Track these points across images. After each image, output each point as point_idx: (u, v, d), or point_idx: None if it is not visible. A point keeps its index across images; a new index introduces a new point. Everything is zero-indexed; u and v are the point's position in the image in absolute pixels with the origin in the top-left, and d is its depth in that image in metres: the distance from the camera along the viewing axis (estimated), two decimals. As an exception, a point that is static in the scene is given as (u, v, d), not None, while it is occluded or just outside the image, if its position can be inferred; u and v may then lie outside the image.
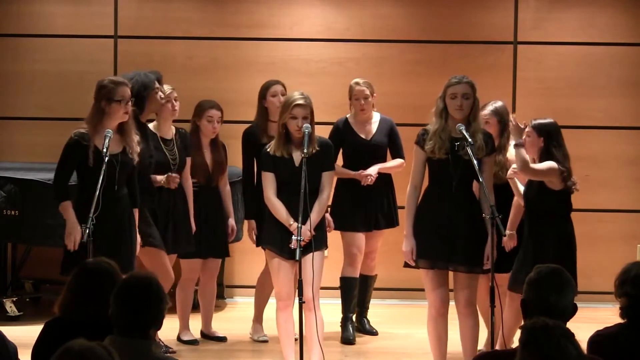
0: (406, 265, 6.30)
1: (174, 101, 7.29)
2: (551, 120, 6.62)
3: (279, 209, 6.28)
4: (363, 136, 7.63)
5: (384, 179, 7.66)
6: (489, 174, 6.22)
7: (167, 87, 7.29)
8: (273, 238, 6.33)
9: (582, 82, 9.22)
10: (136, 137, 6.41)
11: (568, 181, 6.45)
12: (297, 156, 6.29)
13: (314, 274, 6.25)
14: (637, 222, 9.22)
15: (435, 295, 6.18)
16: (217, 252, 7.59)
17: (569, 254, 6.43)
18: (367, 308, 7.94)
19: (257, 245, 7.59)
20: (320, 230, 6.35)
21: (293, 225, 6.17)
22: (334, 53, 9.22)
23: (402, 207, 7.80)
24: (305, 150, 6.15)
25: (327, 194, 6.40)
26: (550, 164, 6.41)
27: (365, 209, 7.53)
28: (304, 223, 6.12)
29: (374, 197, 7.57)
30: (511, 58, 9.21)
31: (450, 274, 6.21)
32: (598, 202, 9.19)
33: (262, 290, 7.73)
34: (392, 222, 7.77)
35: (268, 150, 6.41)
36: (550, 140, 6.46)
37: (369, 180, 7.46)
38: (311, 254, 6.25)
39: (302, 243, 6.14)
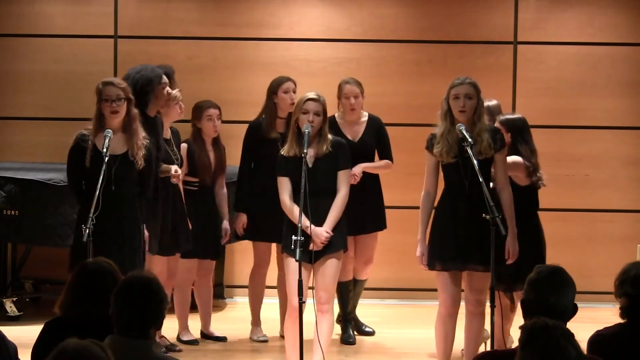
0: (425, 268, 6.25)
1: (181, 103, 7.27)
2: (519, 115, 6.73)
3: (294, 213, 6.19)
4: (350, 137, 7.47)
5: (371, 181, 7.54)
6: (503, 170, 6.18)
7: (175, 90, 7.28)
8: (289, 242, 6.13)
9: (583, 82, 9.22)
10: (143, 142, 6.36)
11: (533, 177, 6.50)
12: (309, 156, 6.27)
13: (330, 277, 6.25)
14: (637, 222, 9.22)
15: (447, 296, 6.14)
16: (213, 254, 7.59)
17: (535, 250, 6.47)
18: (355, 306, 7.85)
19: (245, 239, 7.58)
20: (337, 232, 6.30)
21: (310, 227, 6.13)
22: (334, 53, 9.23)
23: (390, 207, 7.86)
24: (305, 150, 6.14)
25: (343, 194, 6.33)
26: (514, 158, 6.49)
27: (353, 214, 7.33)
28: (315, 224, 6.15)
29: (361, 201, 7.37)
30: (511, 58, 9.21)
31: (463, 273, 6.18)
32: (598, 202, 9.20)
33: (255, 292, 7.71)
34: (380, 225, 7.67)
35: (282, 152, 6.37)
36: (516, 135, 6.54)
37: (353, 180, 7.26)
38: (327, 256, 6.24)
39: (320, 245, 6.16)
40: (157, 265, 6.94)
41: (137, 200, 6.38)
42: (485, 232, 5.98)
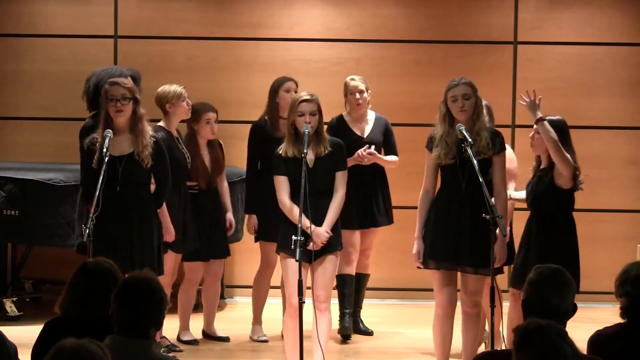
0: (419, 267, 6.27)
1: (188, 99, 7.30)
2: (560, 117, 6.62)
3: (294, 213, 6.17)
4: (359, 133, 7.63)
5: (379, 176, 7.65)
6: (501, 172, 6.16)
7: (179, 87, 7.28)
8: (288, 241, 6.11)
9: (583, 82, 9.22)
10: (150, 141, 6.36)
11: (577, 179, 6.47)
12: (309, 157, 6.26)
13: (329, 276, 6.28)
14: (637, 222, 9.22)
15: (442, 296, 6.16)
16: (218, 253, 7.58)
17: (574, 253, 6.43)
18: (361, 308, 7.93)
19: (256, 241, 7.59)
20: (334, 232, 6.29)
21: (311, 227, 6.14)
22: (334, 53, 9.23)
23: (397, 207, 7.87)
24: (305, 150, 6.13)
25: (341, 194, 6.35)
26: (567, 156, 6.39)
27: (360, 207, 7.50)
28: (314, 224, 6.17)
29: (369, 195, 7.58)
30: (511, 58, 9.21)
31: (459, 274, 6.19)
32: (598, 202, 9.19)
33: (259, 291, 7.72)
34: (388, 219, 7.76)
35: (280, 152, 6.36)
36: (562, 137, 6.46)
37: (364, 159, 7.42)
38: (326, 255, 6.26)
39: (320, 244, 6.17)
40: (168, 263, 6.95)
41: (149, 200, 6.38)
42: (478, 234, 5.99)
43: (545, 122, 6.35)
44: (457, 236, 6.07)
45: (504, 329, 6.10)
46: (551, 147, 6.35)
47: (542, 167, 6.54)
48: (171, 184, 6.60)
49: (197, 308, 7.88)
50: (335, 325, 7.55)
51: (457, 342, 6.36)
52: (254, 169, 7.53)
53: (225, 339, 7.65)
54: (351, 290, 7.70)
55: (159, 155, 6.40)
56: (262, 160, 7.48)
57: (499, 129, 6.53)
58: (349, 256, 7.54)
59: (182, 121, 7.48)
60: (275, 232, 7.32)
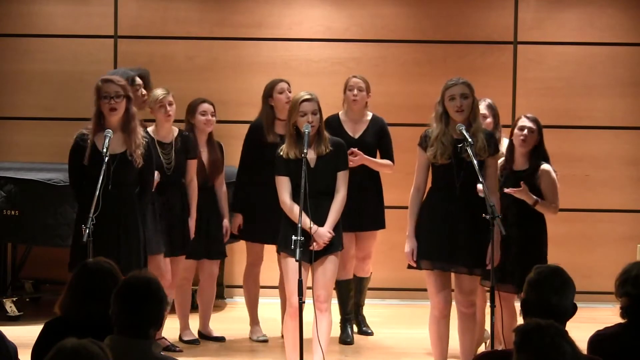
0: (410, 267, 6.27)
1: (167, 106, 7.15)
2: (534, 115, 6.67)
3: (295, 213, 6.15)
4: (351, 134, 7.51)
5: (372, 179, 7.57)
6: (494, 174, 6.19)
7: (160, 92, 7.18)
8: (288, 241, 6.08)
9: (582, 82, 9.22)
10: (142, 140, 6.35)
11: None
12: (310, 157, 6.27)
13: (329, 276, 6.28)
14: (637, 222, 9.22)
15: (438, 297, 6.16)
16: (212, 254, 7.54)
17: (545, 250, 6.50)
18: (362, 306, 7.91)
19: (243, 239, 7.58)
20: (336, 232, 6.29)
21: (312, 227, 6.14)
22: (334, 53, 9.22)
23: (390, 207, 7.87)
24: (305, 150, 6.13)
25: (343, 194, 6.34)
26: (554, 180, 6.49)
27: (352, 210, 7.34)
28: (316, 224, 6.17)
29: (361, 198, 7.43)
30: (511, 58, 9.21)
31: (453, 274, 6.19)
32: (598, 202, 9.20)
33: (249, 292, 7.72)
34: (380, 224, 7.69)
35: (281, 153, 6.35)
36: (542, 138, 6.53)
37: (351, 162, 7.07)
38: (327, 256, 6.26)
39: (322, 245, 6.18)
40: (152, 265, 6.92)
41: (136, 200, 6.38)
42: (474, 234, 5.99)
43: (544, 202, 6.43)
44: (453, 237, 6.07)
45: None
46: (553, 213, 6.51)
47: (518, 169, 6.51)
48: (152, 187, 6.58)
49: (195, 308, 7.88)
50: (336, 328, 7.55)
51: (456, 342, 6.36)
52: (246, 168, 7.50)
53: (221, 339, 7.64)
54: (350, 295, 7.68)
55: (149, 157, 6.40)
56: (255, 161, 7.45)
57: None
58: (344, 260, 7.45)
59: (180, 120, 7.48)
60: (261, 233, 7.35)
